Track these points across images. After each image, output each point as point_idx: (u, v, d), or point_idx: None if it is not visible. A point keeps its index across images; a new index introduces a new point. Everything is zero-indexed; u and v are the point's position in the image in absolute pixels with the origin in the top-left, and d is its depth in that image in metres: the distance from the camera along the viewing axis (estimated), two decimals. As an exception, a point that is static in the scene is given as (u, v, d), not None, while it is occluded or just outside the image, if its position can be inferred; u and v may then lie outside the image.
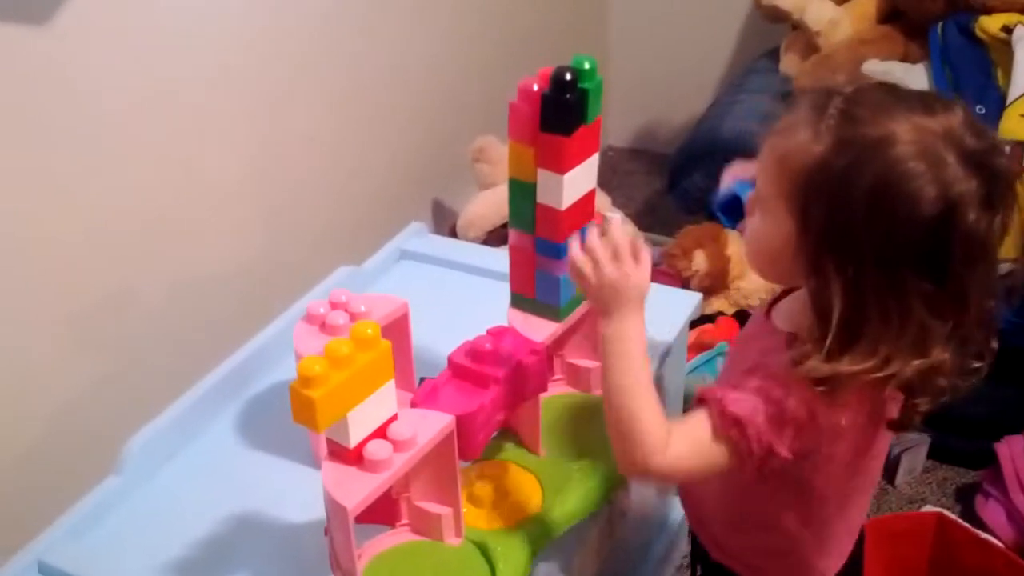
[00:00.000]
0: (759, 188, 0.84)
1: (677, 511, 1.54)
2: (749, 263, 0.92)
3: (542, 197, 0.95)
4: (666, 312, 1.34)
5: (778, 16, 1.97)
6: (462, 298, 1.37)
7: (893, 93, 0.79)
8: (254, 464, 1.11)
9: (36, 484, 1.17)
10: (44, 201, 1.16)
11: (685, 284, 1.61)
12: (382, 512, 0.97)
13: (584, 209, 0.98)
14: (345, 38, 1.64)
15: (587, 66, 0.90)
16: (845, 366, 0.76)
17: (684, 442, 0.82)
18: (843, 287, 0.76)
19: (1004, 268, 1.47)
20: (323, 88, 1.62)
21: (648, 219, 2.41)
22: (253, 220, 1.53)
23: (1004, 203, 0.80)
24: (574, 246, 0.86)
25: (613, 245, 0.85)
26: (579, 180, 0.95)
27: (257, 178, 1.52)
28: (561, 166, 0.92)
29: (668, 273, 1.66)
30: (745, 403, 0.80)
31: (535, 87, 0.90)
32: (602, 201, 1.90)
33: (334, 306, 1.05)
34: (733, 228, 1.47)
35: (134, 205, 1.29)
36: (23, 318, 1.17)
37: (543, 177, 0.94)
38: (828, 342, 0.76)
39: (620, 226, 0.87)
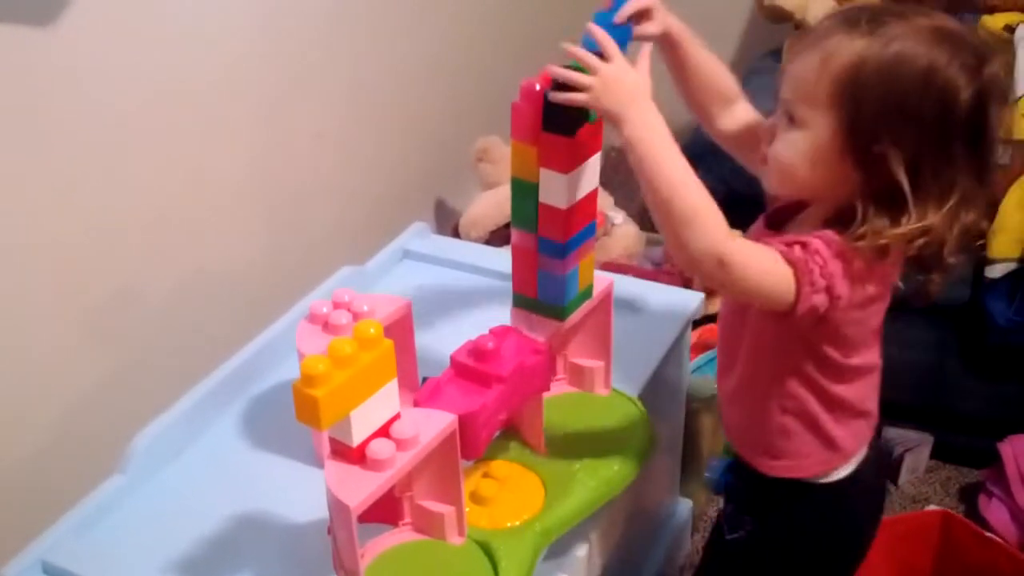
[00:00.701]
0: (789, 105, 0.90)
1: (682, 511, 1.55)
2: (778, 183, 0.95)
3: (545, 197, 0.95)
4: (668, 311, 1.34)
5: (780, 16, 1.97)
6: (465, 298, 1.38)
7: (909, 7, 0.89)
8: (257, 463, 1.11)
9: (41, 483, 1.17)
10: (49, 200, 1.16)
11: (688, 284, 1.60)
12: (385, 511, 0.97)
13: (587, 208, 0.98)
14: (348, 39, 1.64)
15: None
16: (903, 229, 0.85)
17: (751, 247, 0.88)
18: (906, 163, 0.84)
19: (1003, 268, 1.49)
20: (326, 88, 1.62)
21: (649, 219, 2.41)
22: (257, 220, 1.53)
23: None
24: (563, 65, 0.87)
25: (602, 47, 0.87)
26: (582, 179, 0.95)
27: (261, 178, 1.52)
28: (564, 166, 0.92)
29: (671, 272, 1.66)
30: (808, 239, 0.87)
31: (537, 87, 0.90)
32: (604, 200, 1.90)
33: (337, 306, 1.05)
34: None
35: (139, 204, 1.29)
36: (28, 317, 1.17)
37: (546, 177, 0.94)
38: (888, 212, 0.85)
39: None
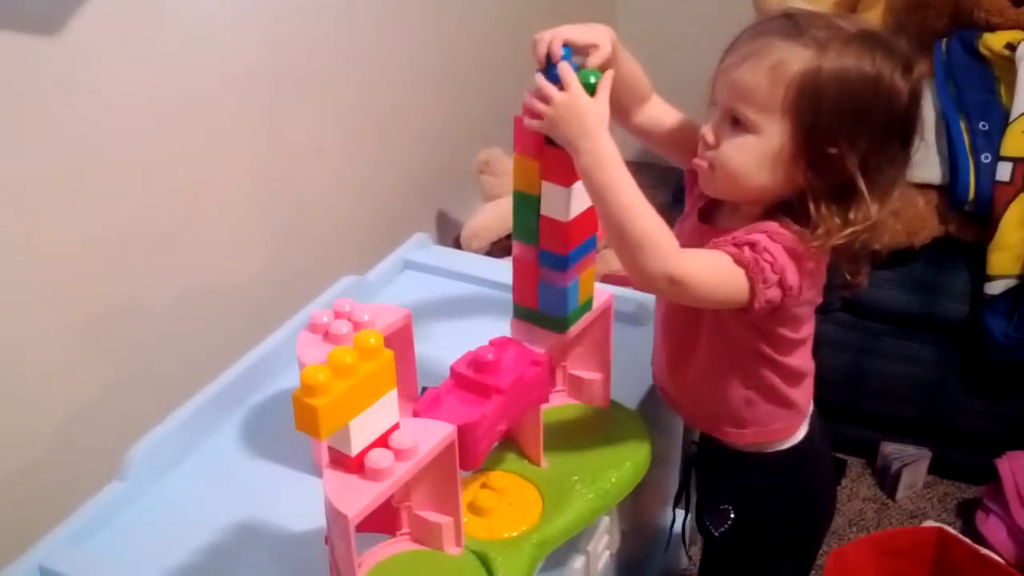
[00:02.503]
0: (735, 111, 0.93)
1: (679, 522, 1.54)
2: (725, 187, 0.98)
3: (547, 210, 0.96)
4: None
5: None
6: (465, 309, 1.38)
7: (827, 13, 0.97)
8: (257, 471, 1.11)
9: (41, 490, 1.17)
10: (51, 210, 1.17)
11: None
12: (383, 521, 0.98)
13: (588, 221, 0.98)
14: (352, 49, 1.65)
15: (592, 80, 0.90)
16: (859, 227, 0.91)
17: (702, 257, 0.92)
18: (859, 162, 0.90)
19: (1003, 284, 1.49)
20: (330, 99, 1.63)
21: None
22: (260, 230, 1.54)
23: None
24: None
25: (563, 79, 0.90)
26: (584, 193, 0.95)
27: (264, 188, 1.53)
28: (566, 179, 0.93)
29: (671, 286, 1.66)
30: (756, 237, 0.91)
31: (540, 101, 0.91)
32: (606, 213, 1.90)
33: (337, 315, 1.05)
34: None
35: (141, 215, 1.30)
36: (30, 326, 1.18)
37: (548, 190, 0.95)
38: (838, 210, 0.91)
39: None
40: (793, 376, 1.05)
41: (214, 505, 1.06)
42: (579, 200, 0.95)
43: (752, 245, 0.91)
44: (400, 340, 1.09)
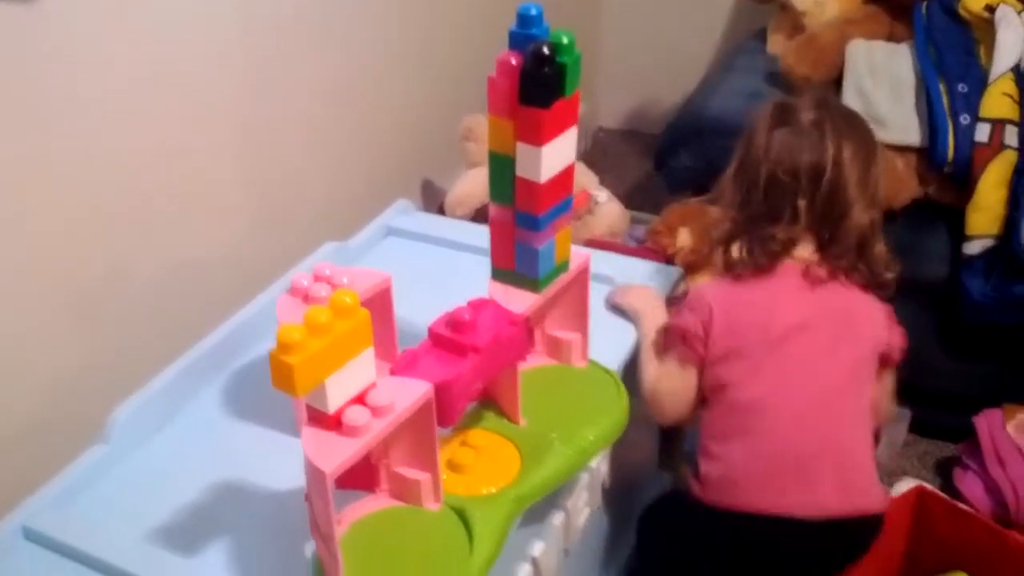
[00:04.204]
0: None
1: (660, 485, 1.57)
2: None
3: (521, 170, 0.96)
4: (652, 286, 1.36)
5: (765, -3, 1.99)
6: (447, 273, 1.39)
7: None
8: (240, 433, 1.13)
9: (25, 457, 1.18)
10: (34, 181, 1.17)
11: (670, 261, 1.62)
12: (362, 478, 0.99)
13: (563, 182, 0.99)
14: (336, 16, 1.65)
15: (565, 40, 0.91)
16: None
17: (658, 385, 1.22)
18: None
19: (980, 244, 1.51)
20: (314, 67, 1.63)
21: (638, 199, 2.42)
22: (243, 199, 1.54)
23: None
24: None
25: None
26: (558, 153, 0.96)
27: (247, 157, 1.53)
28: (540, 139, 0.93)
29: (653, 250, 1.68)
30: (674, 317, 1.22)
31: (513, 61, 0.92)
32: (589, 179, 1.91)
33: (317, 279, 1.06)
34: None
35: (125, 185, 1.30)
36: (15, 295, 1.18)
37: (522, 150, 0.95)
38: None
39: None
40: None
41: (197, 467, 1.07)
42: (552, 161, 0.95)
43: (677, 328, 1.25)
44: (380, 303, 1.10)
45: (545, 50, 0.89)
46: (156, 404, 1.12)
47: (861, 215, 1.17)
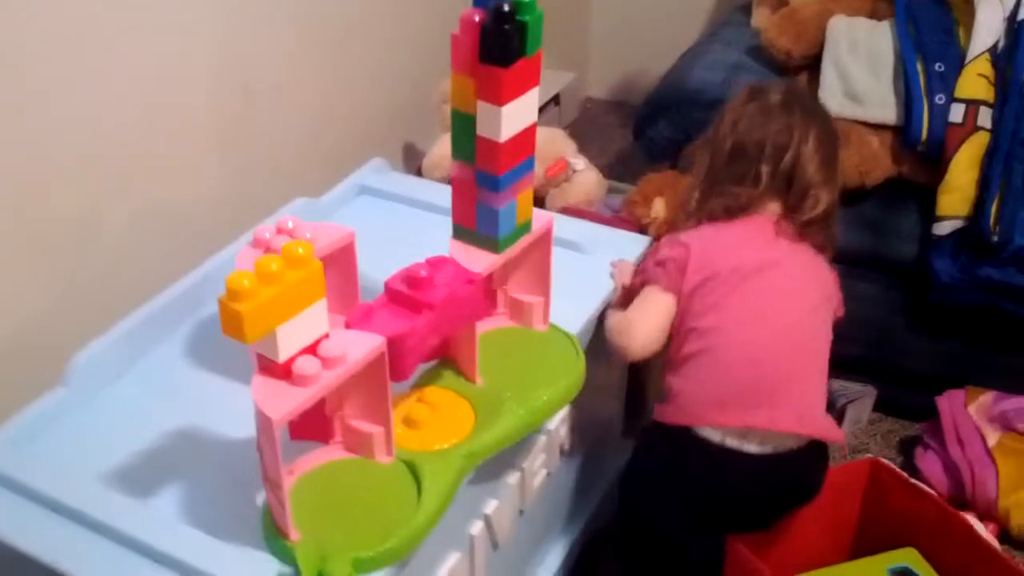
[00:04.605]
0: None
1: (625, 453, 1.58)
2: None
3: (482, 129, 0.97)
4: (617, 254, 1.37)
5: (752, -30, 1.98)
6: (417, 233, 1.38)
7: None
8: (199, 383, 1.14)
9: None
10: (3, 128, 1.17)
11: (644, 231, 1.63)
12: (317, 429, 1.01)
13: (524, 143, 0.99)
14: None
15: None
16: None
17: (632, 312, 1.24)
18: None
19: (950, 225, 1.52)
20: (294, 24, 1.62)
21: (620, 170, 2.42)
22: (217, 151, 1.54)
23: None
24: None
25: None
26: (519, 113, 0.96)
27: (222, 109, 1.52)
28: (499, 98, 0.94)
29: (627, 220, 1.68)
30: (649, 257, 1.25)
31: (476, 18, 0.92)
32: (567, 147, 1.92)
33: (280, 231, 1.07)
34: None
35: (95, 133, 1.30)
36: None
37: (483, 109, 0.96)
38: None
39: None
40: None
41: (155, 414, 1.08)
42: (513, 121, 0.96)
43: (657, 263, 1.27)
44: (343, 258, 1.11)
45: (506, 7, 0.89)
46: (117, 350, 1.13)
47: (821, 195, 1.24)
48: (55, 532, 0.94)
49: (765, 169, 1.23)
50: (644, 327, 1.23)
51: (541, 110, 2.62)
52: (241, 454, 1.02)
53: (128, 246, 1.39)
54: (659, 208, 1.65)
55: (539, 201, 1.89)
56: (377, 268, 1.18)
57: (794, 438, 1.18)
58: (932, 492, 1.34)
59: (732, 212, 1.25)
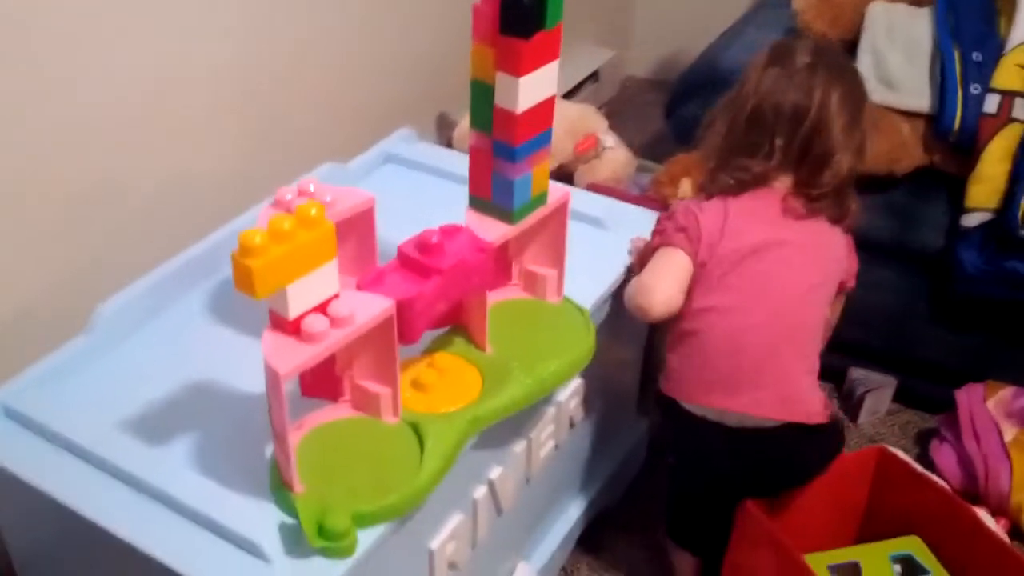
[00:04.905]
0: None
1: (638, 430, 1.60)
2: None
3: (500, 100, 0.98)
4: (636, 232, 1.37)
5: (796, -48, 1.95)
6: (439, 202, 1.39)
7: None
8: (218, 337, 1.17)
9: (15, 344, 1.22)
10: (33, 94, 1.20)
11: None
12: (327, 388, 1.03)
13: (542, 115, 1.01)
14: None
15: (549, -9, 0.91)
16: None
17: (650, 272, 1.22)
18: None
19: (978, 217, 1.50)
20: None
21: (656, 149, 2.41)
22: (246, 115, 1.55)
23: None
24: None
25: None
26: (537, 85, 0.97)
27: (251, 72, 1.54)
28: (518, 69, 0.95)
29: (653, 199, 1.68)
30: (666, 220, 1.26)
31: (499, -10, 0.93)
32: (598, 124, 1.92)
33: (301, 193, 1.09)
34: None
35: (123, 97, 1.31)
36: (15, 196, 1.22)
37: (501, 80, 0.97)
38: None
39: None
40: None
41: (173, 365, 1.11)
42: (530, 92, 0.97)
43: (667, 216, 1.29)
44: (363, 223, 1.12)
45: (527, -20, 0.90)
46: (140, 302, 1.17)
47: (842, 161, 1.21)
48: (68, 471, 0.98)
49: (779, 142, 1.22)
50: (663, 284, 1.21)
51: (578, 86, 2.62)
52: (254, 407, 1.05)
53: (158, 208, 1.41)
54: (686, 188, 1.65)
55: (568, 177, 1.90)
56: (398, 235, 1.20)
57: (769, 418, 1.19)
58: (939, 482, 1.33)
59: (744, 186, 1.24)
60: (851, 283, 1.30)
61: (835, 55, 1.30)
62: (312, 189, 1.09)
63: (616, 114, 2.84)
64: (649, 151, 2.30)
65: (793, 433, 1.19)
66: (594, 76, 2.63)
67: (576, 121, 1.85)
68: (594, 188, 1.73)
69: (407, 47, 1.87)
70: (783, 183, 1.23)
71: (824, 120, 1.20)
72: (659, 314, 1.21)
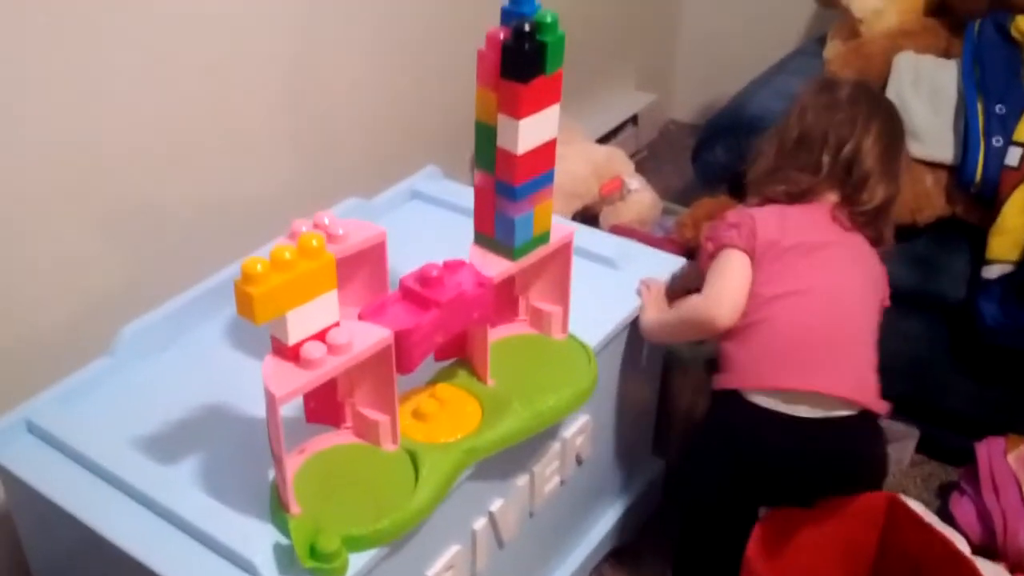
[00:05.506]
0: None
1: (653, 469, 1.60)
2: None
3: (502, 141, 1.02)
4: (649, 272, 1.39)
5: (829, 2, 1.97)
6: (459, 238, 1.43)
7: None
8: (235, 362, 1.22)
9: (43, 363, 1.28)
10: (80, 108, 1.27)
11: (691, 255, 1.64)
12: (330, 414, 1.07)
13: (543, 156, 1.04)
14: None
15: (548, 20, 0.95)
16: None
17: (714, 282, 1.26)
18: None
19: (999, 269, 1.49)
20: (366, 24, 1.68)
21: (693, 193, 2.44)
22: (286, 153, 1.62)
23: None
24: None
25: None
26: (537, 128, 1.01)
27: (300, 115, 1.60)
28: (518, 112, 0.98)
29: (675, 241, 1.70)
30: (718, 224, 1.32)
31: (501, 36, 0.97)
32: (624, 167, 1.95)
33: (316, 226, 1.13)
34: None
35: (164, 126, 1.38)
36: (58, 216, 1.28)
37: (503, 122, 1.00)
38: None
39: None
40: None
41: (190, 387, 1.16)
42: (530, 135, 1.00)
43: (728, 225, 1.32)
44: (375, 255, 1.16)
45: (526, 27, 0.94)
46: (162, 326, 1.22)
47: (878, 187, 1.30)
48: (82, 486, 1.03)
49: (826, 159, 1.30)
50: (731, 291, 1.25)
51: (618, 129, 2.66)
52: (264, 431, 1.09)
53: (185, 232, 1.47)
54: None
55: (593, 218, 1.93)
56: (415, 268, 1.25)
57: (844, 405, 1.21)
58: (946, 534, 1.32)
59: (793, 197, 1.31)
60: (887, 303, 1.36)
61: (874, 91, 1.41)
62: (327, 222, 1.14)
63: (654, 157, 2.87)
64: (686, 195, 2.32)
65: (861, 421, 1.22)
66: (633, 119, 2.66)
67: (602, 163, 1.89)
68: (616, 230, 1.75)
69: (442, 88, 1.92)
70: (829, 199, 1.31)
71: (862, 149, 1.29)
72: (727, 323, 1.24)
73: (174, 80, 1.39)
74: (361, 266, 1.13)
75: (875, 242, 1.33)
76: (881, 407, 1.25)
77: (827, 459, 1.24)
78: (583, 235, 1.44)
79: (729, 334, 1.26)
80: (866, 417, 1.23)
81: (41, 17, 1.19)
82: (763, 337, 1.23)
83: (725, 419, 1.26)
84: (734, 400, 1.23)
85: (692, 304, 1.28)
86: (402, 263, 1.18)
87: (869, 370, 1.25)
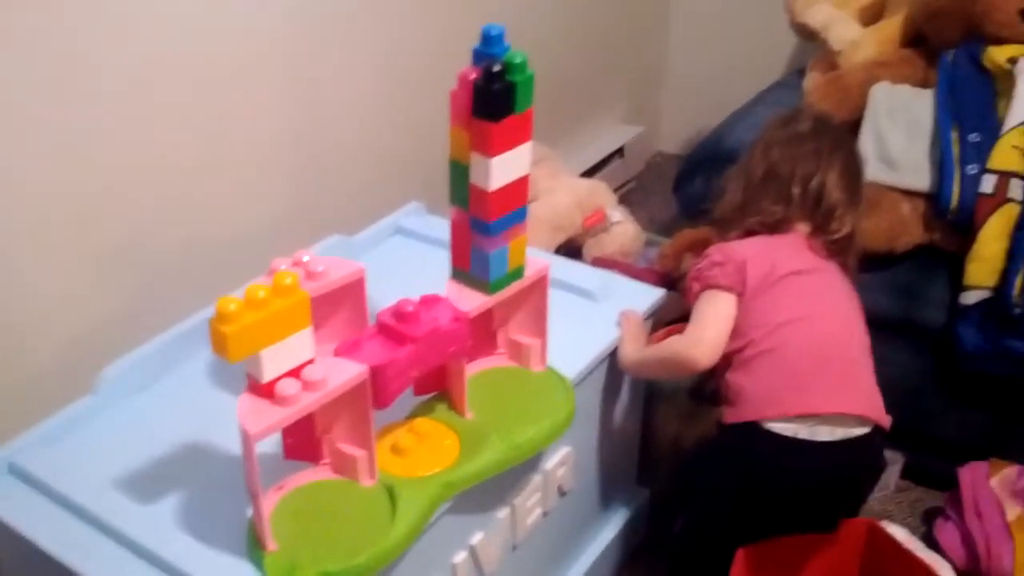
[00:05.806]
0: None
1: (637, 499, 1.60)
2: None
3: (475, 178, 1.04)
4: (630, 304, 1.41)
5: (808, 34, 2.00)
6: (440, 274, 1.45)
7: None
8: (216, 401, 1.22)
9: (26, 401, 1.29)
10: (62, 153, 1.29)
11: (671, 286, 1.66)
12: (308, 451, 1.08)
13: (516, 192, 1.06)
14: (384, 10, 1.72)
15: (518, 60, 0.98)
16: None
17: (697, 322, 1.28)
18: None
19: (976, 295, 1.50)
20: (363, 60, 1.70)
21: (681, 225, 2.46)
22: (272, 189, 1.64)
23: None
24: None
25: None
26: (509, 165, 1.03)
27: (288, 146, 1.61)
28: (490, 150, 1.00)
29: (657, 272, 1.72)
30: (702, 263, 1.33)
31: (472, 77, 0.99)
32: (609, 199, 1.97)
33: (295, 264, 1.15)
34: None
35: (149, 165, 1.41)
36: (47, 249, 1.30)
37: (475, 160, 1.02)
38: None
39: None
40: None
41: (172, 427, 1.17)
42: (502, 172, 1.02)
43: (711, 264, 1.34)
44: (353, 292, 1.17)
45: (496, 68, 0.96)
46: (145, 365, 1.23)
47: (846, 216, 1.34)
48: (62, 527, 1.03)
49: (796, 191, 1.33)
50: (712, 333, 1.26)
51: (605, 162, 2.68)
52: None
53: (173, 274, 1.49)
54: (688, 264, 1.68)
55: (577, 250, 1.95)
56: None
57: (860, 423, 1.23)
58: (926, 561, 1.32)
59: (768, 228, 1.34)
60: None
61: (834, 124, 1.45)
62: (306, 260, 1.16)
63: (642, 188, 2.89)
64: (673, 226, 2.34)
65: (876, 437, 1.25)
66: (619, 152, 2.69)
67: (585, 196, 1.91)
68: (598, 262, 1.77)
69: (432, 126, 1.93)
70: (801, 229, 1.34)
71: (828, 183, 1.32)
72: (708, 364, 1.26)
73: (157, 121, 1.41)
74: (340, 303, 1.14)
75: (845, 270, 1.36)
76: (887, 422, 1.27)
77: (851, 479, 1.28)
78: (564, 267, 1.46)
79: (736, 366, 1.26)
80: (878, 433, 1.26)
81: (20, 53, 1.21)
82: (777, 365, 1.24)
83: (744, 452, 1.25)
84: (751, 432, 1.22)
85: (672, 344, 1.29)
86: (383, 298, 1.19)
87: (875, 387, 1.28)
